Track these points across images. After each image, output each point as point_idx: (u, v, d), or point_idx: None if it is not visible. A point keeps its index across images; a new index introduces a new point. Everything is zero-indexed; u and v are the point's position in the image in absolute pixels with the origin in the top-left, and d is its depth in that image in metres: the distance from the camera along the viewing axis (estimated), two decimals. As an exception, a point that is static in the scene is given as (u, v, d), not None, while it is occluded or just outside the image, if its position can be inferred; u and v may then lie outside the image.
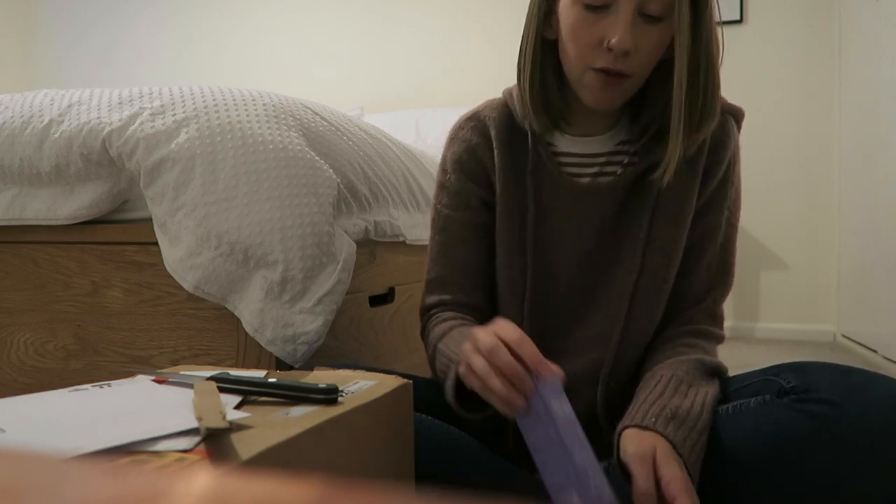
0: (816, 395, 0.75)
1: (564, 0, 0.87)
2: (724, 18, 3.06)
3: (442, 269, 0.99)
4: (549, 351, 0.93)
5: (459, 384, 0.79)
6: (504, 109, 0.96)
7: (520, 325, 0.93)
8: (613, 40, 0.82)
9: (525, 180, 0.94)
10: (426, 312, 0.99)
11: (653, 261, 0.91)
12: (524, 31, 0.91)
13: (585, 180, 0.93)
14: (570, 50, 0.87)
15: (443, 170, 1.01)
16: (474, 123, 0.97)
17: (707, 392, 0.81)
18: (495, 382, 0.68)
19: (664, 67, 0.87)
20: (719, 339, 0.94)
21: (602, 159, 0.94)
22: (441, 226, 0.99)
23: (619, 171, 0.92)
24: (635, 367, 0.94)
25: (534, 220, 0.94)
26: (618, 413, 0.92)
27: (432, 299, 0.98)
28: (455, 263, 0.98)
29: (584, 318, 0.94)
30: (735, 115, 0.94)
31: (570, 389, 0.92)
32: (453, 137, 1.00)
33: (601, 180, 0.93)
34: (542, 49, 0.90)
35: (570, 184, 0.93)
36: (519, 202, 0.94)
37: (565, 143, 0.95)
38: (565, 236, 0.94)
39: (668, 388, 0.80)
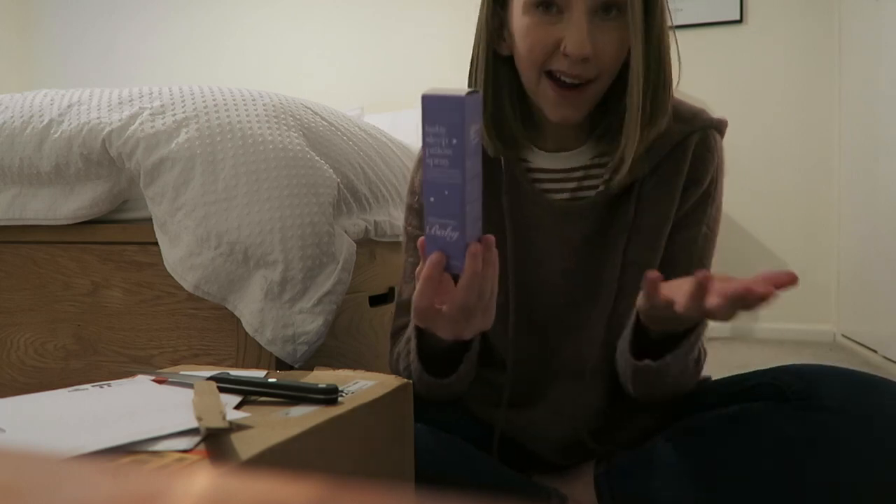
0: (819, 401, 0.74)
1: (516, 9, 0.82)
2: (724, 18, 3.10)
3: (412, 291, 0.94)
4: (537, 373, 0.91)
5: (421, 350, 0.82)
6: None
7: (506, 348, 0.91)
8: (570, 47, 0.77)
9: (500, 201, 0.89)
10: (396, 335, 0.95)
11: (631, 282, 0.85)
12: (474, 47, 0.86)
13: (564, 196, 0.89)
14: (524, 56, 0.82)
15: (411, 192, 0.97)
16: None
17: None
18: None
19: (626, 73, 0.82)
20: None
21: (579, 173, 0.89)
22: (412, 247, 0.94)
23: (600, 187, 0.87)
24: (620, 394, 0.90)
25: (513, 242, 0.89)
26: (605, 434, 0.91)
27: (402, 321, 0.94)
28: None
29: (572, 341, 0.90)
30: (717, 127, 0.89)
31: (559, 413, 0.91)
32: (421, 159, 0.97)
33: (581, 195, 0.88)
34: (495, 65, 0.85)
35: (547, 202, 0.89)
36: (495, 224, 0.88)
37: (540, 160, 0.90)
38: (547, 257, 0.89)
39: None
